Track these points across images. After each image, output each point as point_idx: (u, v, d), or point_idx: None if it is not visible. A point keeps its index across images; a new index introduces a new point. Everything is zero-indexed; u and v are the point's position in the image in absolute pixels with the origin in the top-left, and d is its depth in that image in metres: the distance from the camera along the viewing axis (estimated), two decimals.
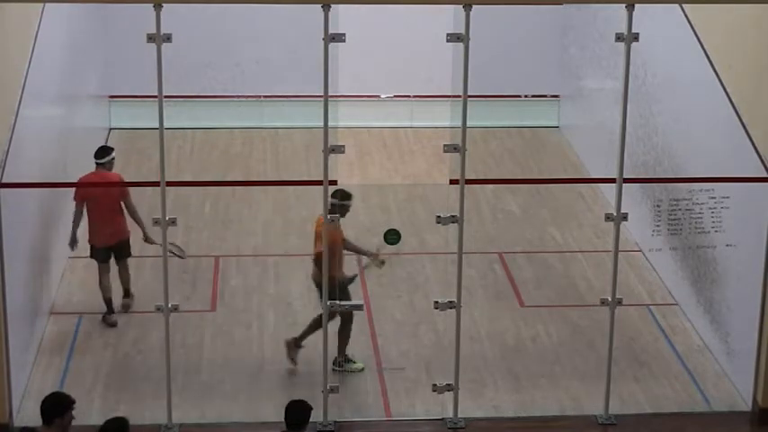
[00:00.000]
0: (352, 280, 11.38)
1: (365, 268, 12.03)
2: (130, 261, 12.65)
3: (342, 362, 11.55)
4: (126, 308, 12.58)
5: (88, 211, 12.30)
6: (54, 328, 12.26)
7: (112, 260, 12.54)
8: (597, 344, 11.89)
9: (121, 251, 12.53)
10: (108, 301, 12.43)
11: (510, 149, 17.44)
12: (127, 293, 12.69)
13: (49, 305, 12.56)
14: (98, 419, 9.02)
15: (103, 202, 12.29)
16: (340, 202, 11.03)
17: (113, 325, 12.31)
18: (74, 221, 12.32)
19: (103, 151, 12.45)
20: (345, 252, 11.46)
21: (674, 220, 12.15)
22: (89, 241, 12.46)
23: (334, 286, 10.81)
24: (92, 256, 12.52)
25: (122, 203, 12.34)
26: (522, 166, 16.85)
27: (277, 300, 12.83)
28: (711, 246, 11.84)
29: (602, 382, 10.93)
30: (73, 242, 12.39)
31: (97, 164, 12.34)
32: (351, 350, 11.85)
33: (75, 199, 12.33)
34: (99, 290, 12.46)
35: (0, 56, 10.65)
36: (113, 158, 12.48)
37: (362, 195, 15.54)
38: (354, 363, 11.67)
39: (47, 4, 12.10)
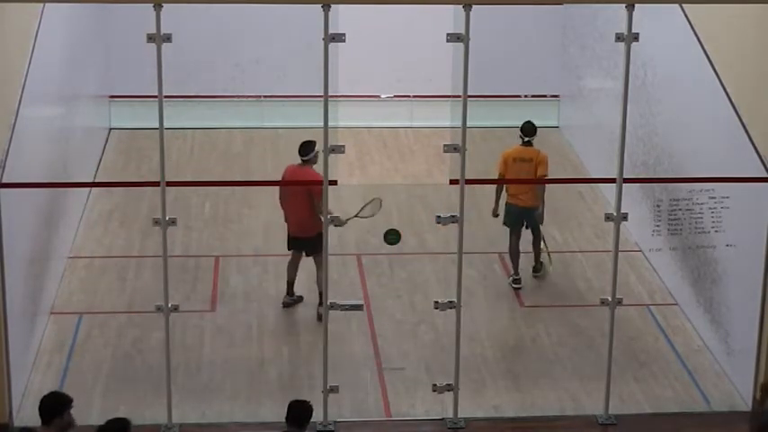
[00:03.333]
0: None
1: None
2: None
3: (538, 267, 13.51)
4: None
5: (284, 199, 12.52)
6: (54, 327, 12.26)
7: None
8: (597, 344, 11.89)
9: (309, 248, 12.49)
10: (289, 284, 12.72)
11: None
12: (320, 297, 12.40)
13: (49, 305, 12.56)
14: (98, 419, 9.00)
15: (294, 195, 12.40)
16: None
17: (286, 305, 12.70)
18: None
19: (307, 147, 12.40)
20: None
21: (674, 220, 12.15)
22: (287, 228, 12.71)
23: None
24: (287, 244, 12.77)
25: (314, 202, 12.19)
26: None
27: (277, 300, 12.83)
28: (711, 246, 11.84)
29: (602, 382, 10.93)
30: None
31: (303, 160, 12.34)
32: (350, 349, 11.87)
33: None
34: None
35: (0, 56, 10.65)
36: (317, 153, 12.19)
37: (362, 195, 15.53)
38: (544, 267, 13.48)
39: (47, 4, 12.10)
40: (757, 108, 11.00)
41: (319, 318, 12.07)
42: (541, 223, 13.40)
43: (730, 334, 11.67)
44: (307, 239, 12.42)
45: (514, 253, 13.34)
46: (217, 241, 14.37)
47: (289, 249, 12.72)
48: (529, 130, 13.33)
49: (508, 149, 13.40)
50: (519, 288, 13.25)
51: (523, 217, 13.33)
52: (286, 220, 12.65)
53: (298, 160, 12.44)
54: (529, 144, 13.30)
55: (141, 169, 16.22)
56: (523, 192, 13.21)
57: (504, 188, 13.31)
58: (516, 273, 13.34)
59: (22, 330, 11.16)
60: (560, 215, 15.04)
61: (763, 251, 10.82)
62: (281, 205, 12.65)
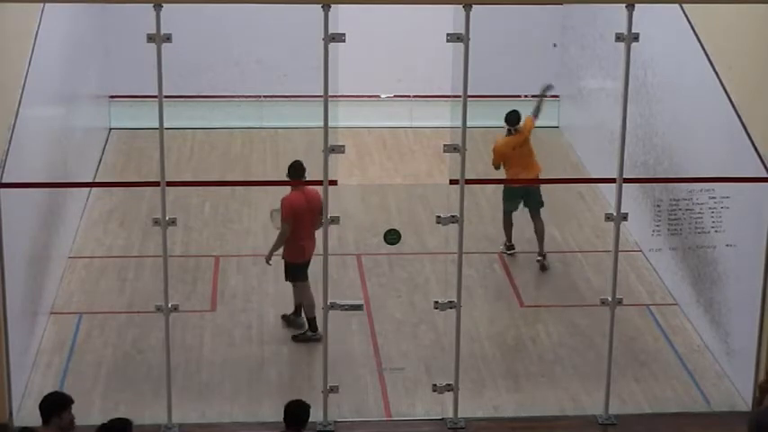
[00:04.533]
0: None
1: None
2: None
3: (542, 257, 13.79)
4: (289, 322, 12.35)
5: (294, 228, 11.87)
6: (54, 328, 12.26)
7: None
8: (597, 344, 11.89)
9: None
10: (311, 320, 12.08)
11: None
12: (297, 311, 12.29)
13: (49, 305, 12.56)
14: (98, 419, 8.99)
15: (308, 219, 11.80)
16: None
17: (318, 340, 11.72)
18: (278, 241, 11.93)
19: (299, 170, 11.81)
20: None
21: (674, 220, 12.15)
22: (289, 259, 12.04)
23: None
24: (291, 278, 12.13)
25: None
26: None
27: (277, 300, 12.83)
28: (711, 246, 11.84)
29: (602, 382, 10.93)
30: (269, 259, 12.02)
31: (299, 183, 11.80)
32: (350, 349, 11.87)
33: (284, 220, 11.82)
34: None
35: (0, 56, 10.65)
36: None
37: (362, 195, 15.55)
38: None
39: (47, 4, 12.10)
40: (757, 108, 11.00)
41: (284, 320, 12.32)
42: (542, 204, 13.81)
43: (730, 334, 11.67)
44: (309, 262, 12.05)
45: (507, 225, 14.02)
46: (217, 241, 14.38)
47: (303, 281, 12.06)
48: (515, 120, 13.84)
49: (498, 143, 13.91)
50: (513, 253, 13.98)
51: (524, 196, 13.84)
52: (297, 249, 11.97)
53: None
54: (515, 132, 13.84)
55: (141, 169, 16.22)
56: (525, 172, 13.75)
57: (505, 172, 13.85)
58: (509, 241, 14.04)
59: (22, 330, 11.17)
60: (560, 215, 15.03)
61: (763, 251, 10.82)
62: (293, 235, 11.87)
